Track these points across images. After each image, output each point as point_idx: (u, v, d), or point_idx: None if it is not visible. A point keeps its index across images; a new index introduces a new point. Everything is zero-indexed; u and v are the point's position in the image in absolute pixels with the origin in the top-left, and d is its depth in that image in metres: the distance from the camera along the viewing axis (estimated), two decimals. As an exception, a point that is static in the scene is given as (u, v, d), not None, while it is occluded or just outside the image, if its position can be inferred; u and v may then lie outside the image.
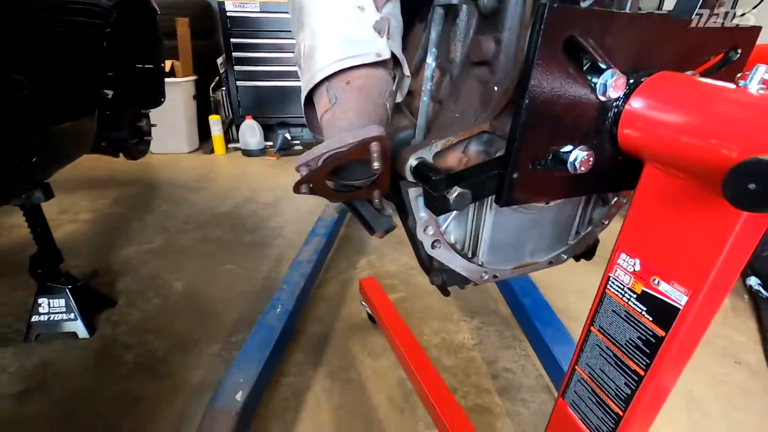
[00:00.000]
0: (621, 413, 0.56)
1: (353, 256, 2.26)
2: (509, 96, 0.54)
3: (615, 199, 0.76)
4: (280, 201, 3.00)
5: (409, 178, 0.58)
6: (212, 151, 3.95)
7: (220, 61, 3.84)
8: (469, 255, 0.71)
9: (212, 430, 1.11)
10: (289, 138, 4.03)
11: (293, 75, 3.95)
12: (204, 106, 3.99)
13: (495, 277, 0.72)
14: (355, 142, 0.57)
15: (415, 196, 0.60)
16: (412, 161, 0.56)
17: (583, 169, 0.47)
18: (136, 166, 3.58)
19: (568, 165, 0.48)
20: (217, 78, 3.92)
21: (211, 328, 1.72)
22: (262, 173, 3.55)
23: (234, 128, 4.10)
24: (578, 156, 0.47)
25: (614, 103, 0.47)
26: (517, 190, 0.50)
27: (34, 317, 1.61)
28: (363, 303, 1.72)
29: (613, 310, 0.54)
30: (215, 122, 3.81)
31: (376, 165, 0.58)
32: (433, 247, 0.65)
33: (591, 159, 0.47)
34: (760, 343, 1.69)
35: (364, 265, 2.18)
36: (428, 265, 0.70)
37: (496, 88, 0.55)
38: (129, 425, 1.31)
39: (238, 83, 3.90)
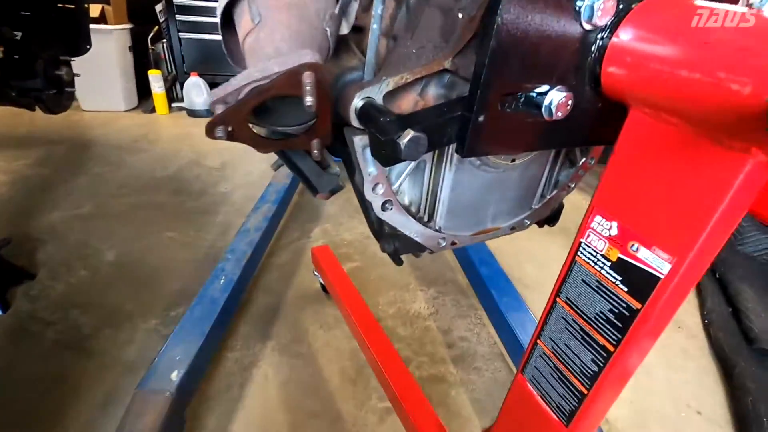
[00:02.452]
0: (585, 391, 0.51)
1: (307, 224, 2.15)
2: (476, 25, 0.45)
3: (583, 159, 0.70)
4: (229, 165, 2.80)
5: (354, 122, 0.48)
6: (153, 110, 3.61)
7: (159, 8, 3.45)
8: (425, 219, 0.63)
9: (141, 413, 1.00)
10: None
11: (244, 29, 3.63)
12: (143, 60, 3.60)
13: (453, 243, 0.65)
14: (281, 71, 0.46)
15: (361, 145, 0.51)
16: (358, 101, 0.46)
17: (559, 114, 0.39)
18: (64, 124, 3.22)
19: (543, 109, 0.40)
20: (157, 28, 3.53)
21: (148, 300, 1.57)
22: (210, 135, 3.29)
23: (178, 85, 3.75)
24: (555, 98, 0.39)
25: (599, 35, 0.40)
26: (483, 136, 0.41)
27: (-70, 292, 1.40)
28: (315, 273, 1.63)
29: (583, 280, 0.48)
30: (156, 78, 3.46)
31: (309, 101, 0.47)
32: (383, 209, 0.56)
33: (569, 102, 0.40)
34: (698, 308, 1.78)
35: (319, 234, 2.08)
36: (378, 229, 0.61)
37: (460, 15, 0.46)
38: (48, 408, 1.18)
39: (182, 35, 3.53)
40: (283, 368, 1.35)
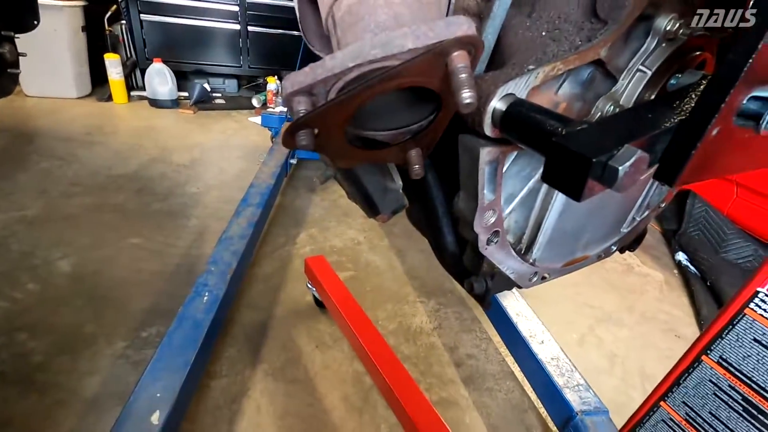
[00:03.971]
0: (743, 474, 0.41)
1: (292, 229, 1.98)
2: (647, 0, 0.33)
3: (678, 175, 0.61)
4: (199, 163, 2.56)
5: (488, 129, 0.35)
6: (110, 98, 3.26)
7: (117, -15, 3.12)
8: (523, 251, 0.51)
9: (117, 469, 0.83)
10: (209, 89, 3.48)
11: (213, 12, 3.36)
12: (98, 42, 3.25)
13: (543, 278, 0.54)
14: (419, 47, 0.31)
15: (487, 160, 0.38)
16: (498, 101, 0.33)
17: (790, 124, 0.29)
18: (3, 111, 2.84)
19: (764, 120, 0.29)
20: (115, 7, 3.20)
21: (112, 320, 1.36)
22: (176, 129, 3.01)
23: (138, 72, 3.42)
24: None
25: None
26: (703, 157, 0.30)
27: None
28: (309, 286, 1.48)
29: (757, 340, 0.38)
30: (113, 63, 3.13)
31: (467, 97, 0.32)
32: (489, 242, 0.43)
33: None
34: (694, 317, 1.78)
35: (305, 240, 1.92)
36: (470, 266, 0.48)
37: (636, -16, 0.34)
38: (-11, 463, 0.96)
39: (143, 17, 3.22)
40: (278, 397, 1.19)
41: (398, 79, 0.33)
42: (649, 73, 0.37)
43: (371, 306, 1.57)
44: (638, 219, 0.62)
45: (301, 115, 0.33)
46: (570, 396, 1.12)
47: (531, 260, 0.52)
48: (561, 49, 0.37)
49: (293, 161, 2.37)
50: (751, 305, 0.40)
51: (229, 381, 1.22)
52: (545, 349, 1.24)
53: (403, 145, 0.40)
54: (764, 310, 0.39)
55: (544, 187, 0.46)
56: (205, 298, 1.23)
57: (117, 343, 1.28)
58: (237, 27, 3.49)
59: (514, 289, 1.48)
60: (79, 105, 3.17)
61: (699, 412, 0.45)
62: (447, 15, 0.42)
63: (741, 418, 0.41)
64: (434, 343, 1.45)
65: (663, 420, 0.48)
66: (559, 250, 0.54)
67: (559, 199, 0.47)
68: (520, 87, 0.34)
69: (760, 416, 0.39)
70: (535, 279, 0.54)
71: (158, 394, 0.95)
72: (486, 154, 0.37)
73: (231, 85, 3.85)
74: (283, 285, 1.62)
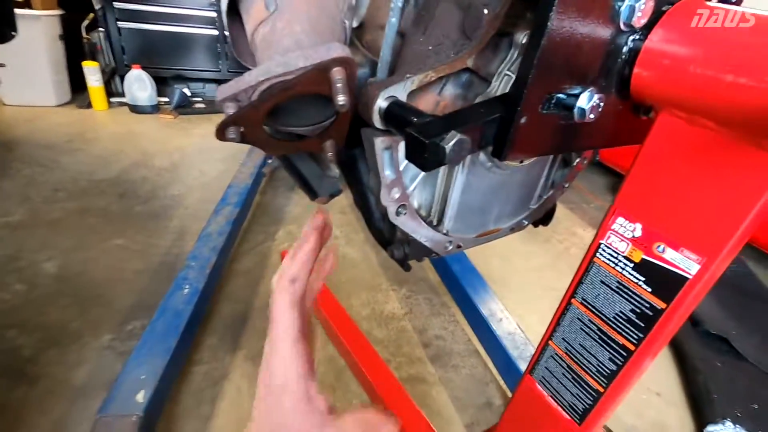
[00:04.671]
0: (602, 389, 0.52)
1: (270, 227, 2.06)
2: (500, 21, 0.43)
3: (577, 160, 0.72)
4: (180, 166, 2.62)
5: (377, 123, 0.45)
6: (89, 105, 3.30)
7: (94, -7, 3.16)
8: (434, 222, 0.61)
9: (106, 442, 0.91)
10: (188, 94, 3.53)
11: (191, 19, 3.42)
12: (76, 50, 3.28)
13: (458, 246, 0.64)
14: (308, 66, 0.42)
15: (382, 147, 0.48)
16: (382, 101, 0.43)
17: (591, 116, 0.39)
18: (-18, 120, 2.86)
19: (575, 111, 0.39)
20: (92, 15, 3.23)
21: (98, 315, 1.43)
22: (157, 133, 3.07)
23: (118, 79, 3.46)
24: (588, 100, 0.39)
25: (631, 37, 0.40)
26: (522, 139, 0.40)
27: None
28: (286, 278, 1.57)
29: (602, 281, 0.49)
30: (91, 70, 3.17)
31: (341, 100, 0.44)
32: (398, 213, 0.54)
33: (601, 104, 0.39)
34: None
35: (283, 236, 2.01)
36: (387, 235, 0.59)
37: (486, 11, 0.44)
38: (-15, 447, 1.03)
39: (120, 24, 3.26)
40: (257, 380, 1.28)
41: (296, 88, 0.43)
42: (513, 76, 0.47)
43: (347, 295, 1.67)
44: (545, 196, 0.73)
45: (229, 116, 0.43)
46: (523, 366, 1.23)
47: (444, 231, 0.62)
48: (438, 60, 0.47)
49: (271, 161, 2.45)
50: (598, 255, 0.51)
51: (210, 367, 1.30)
52: (502, 326, 1.35)
53: (319, 137, 0.51)
54: (604, 258, 0.50)
55: (443, 167, 0.57)
56: (186, 290, 1.32)
57: (103, 336, 1.36)
58: (215, 32, 3.55)
59: (481, 277, 1.60)
60: (59, 112, 3.20)
61: (572, 345, 0.55)
62: (346, 39, 0.53)
63: (598, 345, 0.52)
64: (405, 327, 1.56)
65: (551, 356, 0.58)
66: (469, 223, 0.65)
67: (459, 177, 0.57)
68: (399, 91, 0.45)
69: (609, 341, 0.50)
70: (450, 247, 0.64)
71: (143, 377, 1.04)
72: (380, 142, 0.48)
73: (211, 89, 3.90)
74: (261, 279, 1.70)
